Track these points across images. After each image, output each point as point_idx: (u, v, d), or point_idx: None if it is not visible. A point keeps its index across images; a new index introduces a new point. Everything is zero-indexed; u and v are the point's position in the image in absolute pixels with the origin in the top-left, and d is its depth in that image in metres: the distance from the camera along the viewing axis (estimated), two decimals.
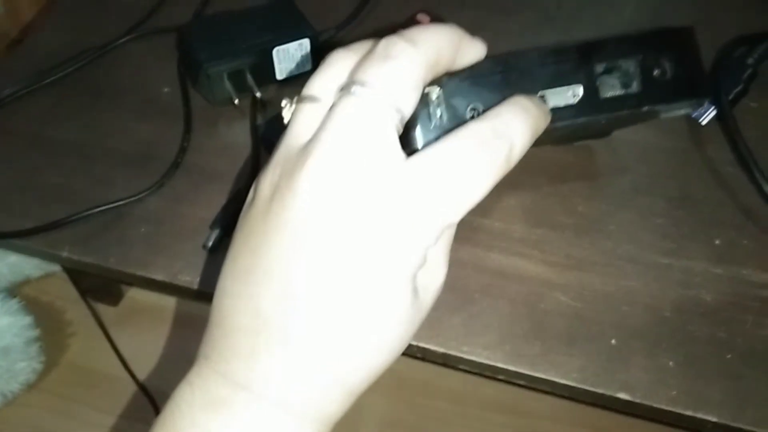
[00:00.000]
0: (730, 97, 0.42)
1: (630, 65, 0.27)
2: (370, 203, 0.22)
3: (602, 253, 0.38)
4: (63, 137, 0.46)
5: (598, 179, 0.42)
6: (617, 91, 0.27)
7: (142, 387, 0.79)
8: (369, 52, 0.24)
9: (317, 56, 0.47)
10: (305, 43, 0.46)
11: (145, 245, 0.40)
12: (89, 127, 0.47)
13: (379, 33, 0.50)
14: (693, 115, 0.43)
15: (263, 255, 0.23)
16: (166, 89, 0.49)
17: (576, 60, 0.27)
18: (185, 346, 0.89)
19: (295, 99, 0.25)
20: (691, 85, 0.28)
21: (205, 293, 0.39)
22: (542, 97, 0.26)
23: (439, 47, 0.24)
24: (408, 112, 0.23)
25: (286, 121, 0.25)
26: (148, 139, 0.46)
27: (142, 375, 0.80)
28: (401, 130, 0.23)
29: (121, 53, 0.51)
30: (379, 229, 0.22)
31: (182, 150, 0.44)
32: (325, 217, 0.22)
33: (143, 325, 0.92)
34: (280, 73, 0.47)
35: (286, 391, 0.23)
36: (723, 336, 0.35)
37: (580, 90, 0.27)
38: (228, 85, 0.45)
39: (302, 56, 0.46)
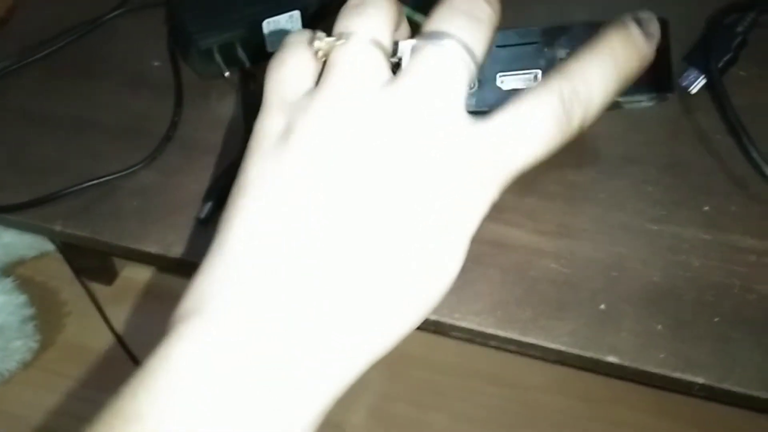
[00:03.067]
0: (720, 65, 0.42)
1: None
2: (448, 151, 0.22)
3: (592, 221, 0.39)
4: (53, 112, 0.46)
5: (589, 148, 0.42)
6: None
7: (138, 364, 0.80)
8: (449, 4, 0.24)
9: (307, 28, 0.47)
10: (296, 15, 0.46)
11: (138, 218, 0.41)
12: (79, 101, 0.46)
13: None
14: (683, 84, 0.43)
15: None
16: (156, 63, 0.48)
17: (539, 44, 0.27)
18: None
19: (338, 37, 0.24)
20: (654, 79, 0.28)
21: (197, 265, 0.39)
22: (501, 80, 0.26)
23: (499, 14, 0.24)
24: (475, 76, 0.24)
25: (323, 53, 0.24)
26: (139, 112, 0.46)
27: (137, 352, 0.80)
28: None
29: (109, 28, 0.50)
30: (451, 181, 0.22)
31: (173, 123, 0.44)
32: (407, 156, 0.22)
33: (138, 304, 0.92)
34: (271, 46, 0.46)
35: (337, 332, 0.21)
36: (711, 300, 0.36)
37: (540, 74, 0.27)
38: (218, 58, 0.44)
39: (292, 28, 0.46)
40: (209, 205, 0.40)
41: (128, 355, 0.79)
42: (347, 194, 0.22)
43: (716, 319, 0.35)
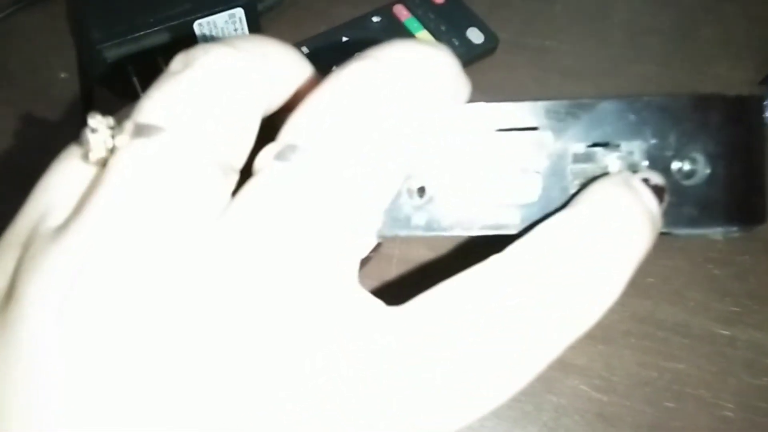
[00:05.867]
0: None
1: (635, 155, 0.15)
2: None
3: (638, 320, 0.28)
4: None
5: None
6: None
7: None
8: (325, 96, 0.13)
9: (256, 31, 0.36)
10: (238, 13, 0.34)
11: None
12: None
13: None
14: (765, 115, 0.32)
15: None
16: (62, 74, 0.38)
17: (542, 129, 0.15)
18: None
19: (129, 127, 0.14)
20: (741, 205, 0.16)
21: None
22: (468, 187, 0.15)
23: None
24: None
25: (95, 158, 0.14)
26: (38, 142, 0.35)
27: None
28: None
29: (8, 28, 0.40)
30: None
31: None
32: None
33: None
34: None
35: None
36: None
37: (538, 183, 0.15)
38: (132, 72, 0.33)
39: (235, 31, 0.35)
40: None
41: None
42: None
43: None
